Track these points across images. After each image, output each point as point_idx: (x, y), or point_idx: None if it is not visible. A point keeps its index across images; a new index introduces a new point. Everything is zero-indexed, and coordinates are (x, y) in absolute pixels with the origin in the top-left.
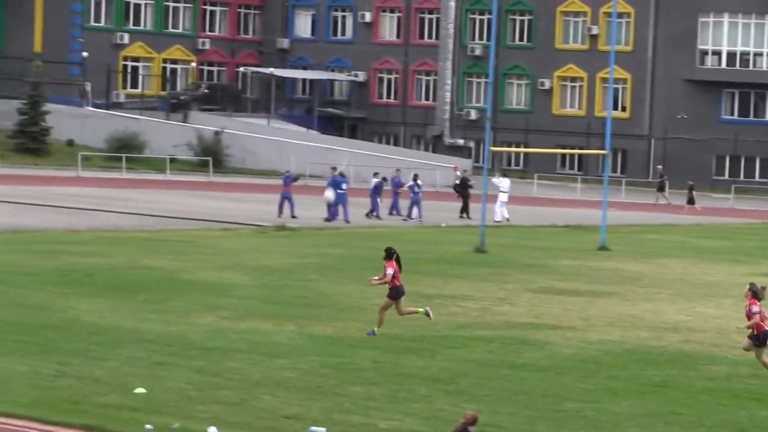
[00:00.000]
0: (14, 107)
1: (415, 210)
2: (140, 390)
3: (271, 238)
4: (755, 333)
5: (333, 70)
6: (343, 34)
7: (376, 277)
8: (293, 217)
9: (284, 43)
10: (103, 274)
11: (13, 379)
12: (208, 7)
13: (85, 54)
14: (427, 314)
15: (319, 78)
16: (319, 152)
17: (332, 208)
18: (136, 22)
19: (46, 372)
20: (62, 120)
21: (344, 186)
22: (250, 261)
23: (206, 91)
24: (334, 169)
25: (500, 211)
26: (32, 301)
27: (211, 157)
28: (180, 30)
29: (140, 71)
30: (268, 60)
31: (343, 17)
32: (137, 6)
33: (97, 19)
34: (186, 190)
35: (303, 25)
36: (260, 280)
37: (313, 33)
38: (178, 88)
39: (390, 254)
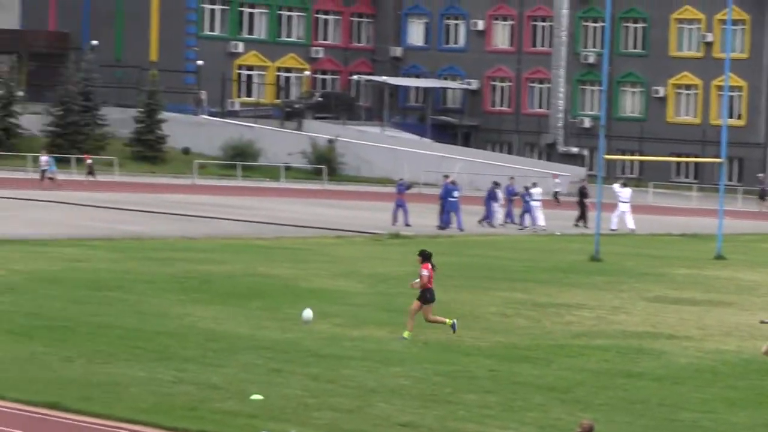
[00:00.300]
0: (131, 116)
1: (527, 218)
2: (257, 396)
3: (386, 246)
4: None
5: (446, 78)
6: (456, 42)
7: (416, 281)
8: (407, 225)
9: (397, 51)
10: (220, 282)
11: (131, 385)
12: (322, 16)
13: (200, 62)
14: (453, 327)
15: (431, 86)
16: (433, 160)
17: (444, 216)
18: (251, 31)
19: (164, 378)
20: (178, 128)
21: (456, 194)
22: (365, 269)
23: (320, 99)
24: (447, 177)
25: (618, 220)
26: (150, 308)
27: (325, 165)
28: (294, 38)
29: (254, 80)
30: (381, 68)
31: (456, 25)
32: (251, 15)
33: (212, 28)
34: (301, 198)
35: (416, 33)
36: (375, 288)
37: (425, 41)
38: (292, 97)
39: (425, 256)
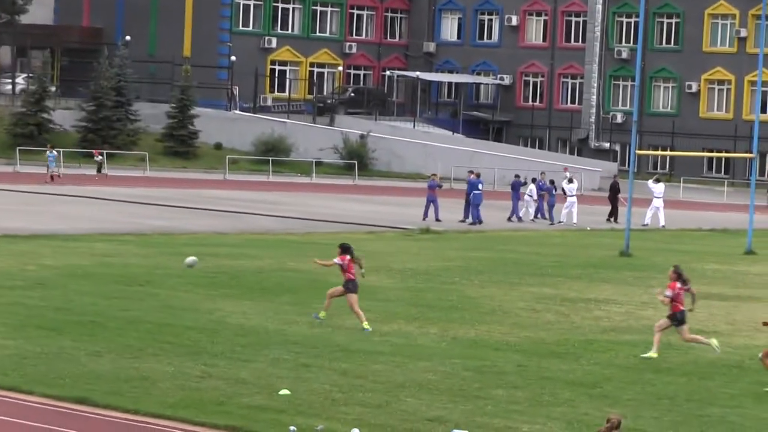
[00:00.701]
0: (163, 111)
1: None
2: (285, 391)
3: (416, 241)
4: None
5: (479, 74)
6: (489, 37)
7: (322, 262)
8: (438, 220)
9: (430, 46)
10: (250, 277)
11: (160, 380)
12: (355, 11)
13: (233, 58)
14: (316, 317)
15: (464, 81)
16: (465, 156)
17: (474, 211)
18: (284, 27)
19: (193, 373)
20: (210, 123)
21: (480, 187)
22: (395, 264)
23: (353, 94)
24: (471, 172)
25: (650, 215)
26: (180, 302)
27: (356, 160)
28: (327, 34)
29: (287, 75)
30: (414, 63)
31: (489, 21)
32: (285, 10)
33: (246, 24)
34: (332, 193)
35: (449, 28)
36: (404, 283)
37: (459, 36)
38: (325, 92)
39: (344, 249)
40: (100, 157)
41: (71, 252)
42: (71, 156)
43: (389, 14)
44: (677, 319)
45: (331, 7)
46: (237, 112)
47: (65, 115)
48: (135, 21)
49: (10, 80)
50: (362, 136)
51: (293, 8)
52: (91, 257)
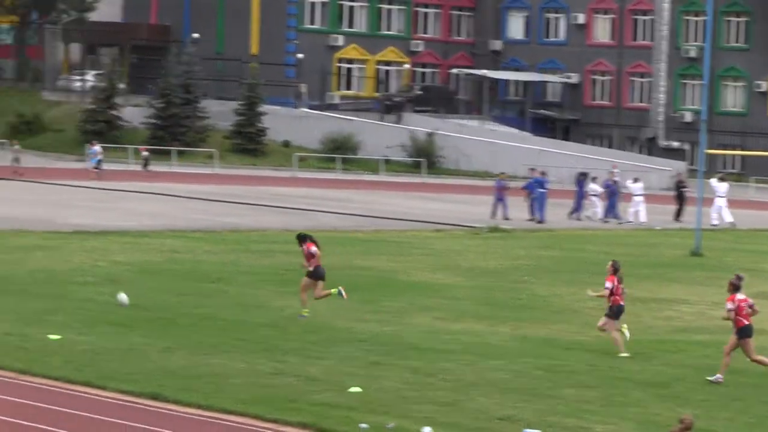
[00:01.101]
0: (231, 108)
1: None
2: (356, 389)
3: (484, 239)
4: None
5: (545, 72)
6: (556, 35)
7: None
8: (506, 218)
9: (497, 44)
10: None
11: (232, 377)
12: (421, 9)
13: (300, 56)
14: (340, 294)
15: (531, 80)
16: (532, 154)
17: (538, 211)
18: (351, 24)
19: (264, 370)
20: (278, 121)
21: (546, 185)
22: (464, 262)
23: (419, 92)
24: (533, 169)
25: (717, 215)
26: (250, 299)
27: (424, 158)
28: (393, 32)
29: (354, 73)
30: (480, 62)
31: (556, 19)
32: (351, 8)
33: (312, 21)
34: (400, 191)
35: (515, 26)
36: (474, 282)
37: (525, 35)
38: (392, 90)
39: (302, 238)
40: (146, 153)
41: (142, 248)
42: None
43: (455, 12)
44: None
45: (397, 5)
46: (305, 109)
47: (134, 112)
48: (202, 18)
49: (80, 78)
50: (429, 134)
51: (359, 6)
52: (161, 254)
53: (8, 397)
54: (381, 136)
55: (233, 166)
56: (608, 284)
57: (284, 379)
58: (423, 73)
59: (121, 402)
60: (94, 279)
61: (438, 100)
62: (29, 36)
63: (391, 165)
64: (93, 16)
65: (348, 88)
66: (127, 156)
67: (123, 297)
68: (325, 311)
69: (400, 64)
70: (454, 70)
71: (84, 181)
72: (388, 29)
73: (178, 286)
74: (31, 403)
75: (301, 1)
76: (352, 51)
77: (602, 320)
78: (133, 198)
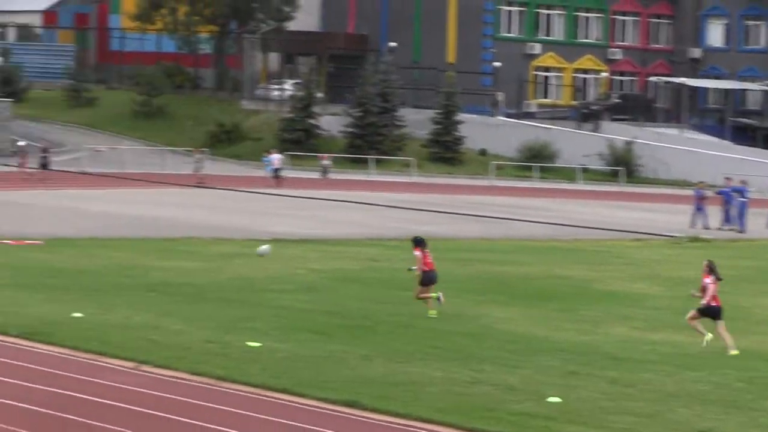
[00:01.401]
0: (428, 117)
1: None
2: (554, 399)
3: (684, 249)
4: None
5: (745, 80)
6: (756, 43)
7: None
8: (706, 228)
9: (696, 52)
10: (517, 283)
11: (429, 385)
12: (619, 17)
13: (497, 64)
14: (438, 300)
15: (731, 88)
16: (733, 163)
17: (738, 220)
18: (548, 32)
19: (461, 378)
20: (475, 129)
21: (746, 195)
22: (663, 272)
23: (617, 100)
24: (729, 178)
25: None
26: (448, 308)
27: (622, 167)
28: (591, 40)
29: (551, 81)
30: (679, 69)
31: (756, 26)
32: (549, 16)
33: (509, 30)
34: (597, 200)
35: (715, 34)
36: (673, 292)
37: (725, 42)
38: (589, 98)
39: (417, 242)
40: (326, 162)
41: (339, 256)
42: (338, 162)
43: (653, 20)
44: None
45: (595, 12)
46: (501, 118)
47: (331, 121)
48: (399, 27)
49: (278, 86)
50: (627, 143)
51: (556, 14)
52: (359, 262)
53: (208, 404)
54: (578, 144)
55: (430, 175)
56: (707, 280)
57: (482, 387)
58: (621, 81)
59: (318, 409)
60: (292, 287)
61: (636, 108)
62: (228, 46)
63: (588, 173)
64: (291, 26)
65: (545, 96)
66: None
67: (265, 249)
68: (523, 320)
69: (598, 72)
70: (653, 78)
71: (271, 189)
72: (586, 37)
73: (375, 293)
74: (229, 409)
75: (497, 9)
76: (549, 59)
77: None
78: (330, 206)
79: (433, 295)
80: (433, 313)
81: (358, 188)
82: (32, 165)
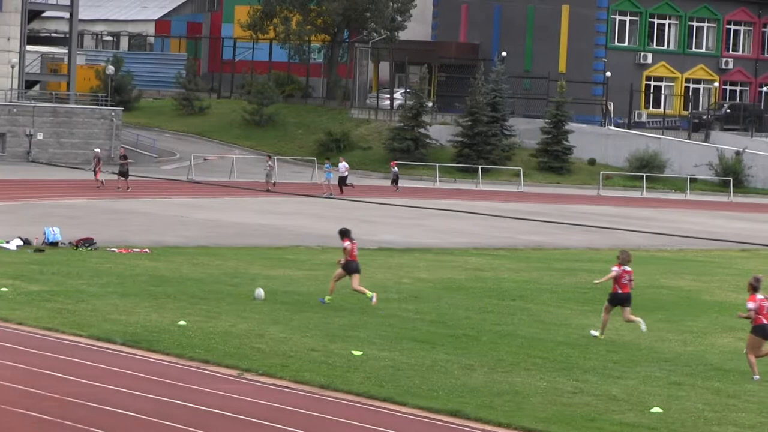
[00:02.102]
0: (538, 126)
1: None
2: (657, 409)
3: None
4: None
5: None
6: None
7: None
8: None
9: None
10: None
11: (532, 395)
12: (732, 27)
13: (608, 74)
14: (371, 299)
15: None
16: None
17: None
18: (660, 42)
19: (564, 388)
20: (584, 139)
21: None
22: None
23: (728, 110)
24: None
25: None
26: (552, 317)
27: (732, 177)
28: (703, 50)
29: (662, 91)
30: None
31: None
32: (661, 26)
33: (621, 39)
34: (706, 210)
35: None
36: None
37: None
38: (700, 108)
39: (343, 233)
40: (395, 169)
41: (445, 265)
42: (447, 171)
43: (767, 30)
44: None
45: (708, 22)
46: (611, 127)
47: (441, 131)
48: (511, 37)
49: (388, 95)
50: (738, 153)
51: (669, 24)
52: (464, 271)
53: (310, 412)
54: (688, 154)
55: (538, 184)
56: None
57: (584, 398)
58: (732, 91)
59: (421, 419)
60: (398, 295)
61: (747, 118)
62: (339, 55)
63: (697, 184)
64: (403, 35)
65: (656, 106)
66: (434, 174)
67: (260, 292)
68: (627, 330)
69: (710, 81)
70: (765, 88)
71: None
72: (698, 47)
73: (480, 303)
74: (332, 418)
75: (610, 18)
76: (661, 69)
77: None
78: (437, 215)
79: (368, 293)
80: (328, 299)
81: (466, 197)
82: (113, 171)
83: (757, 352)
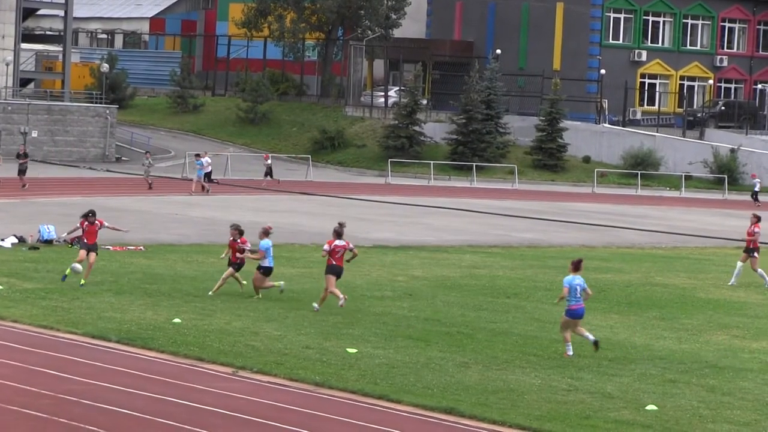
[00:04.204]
0: (532, 124)
1: None
2: (651, 407)
3: None
4: None
5: None
6: None
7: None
8: None
9: None
10: (617, 291)
11: (527, 392)
12: (727, 24)
13: (602, 71)
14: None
15: None
16: None
17: None
18: (654, 40)
19: (559, 386)
20: (579, 137)
21: None
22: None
23: (723, 108)
24: None
25: None
26: (546, 315)
27: (726, 174)
28: (697, 47)
29: (657, 88)
30: None
31: None
32: (655, 23)
33: (615, 37)
34: (701, 208)
35: None
36: None
37: None
38: (695, 106)
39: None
40: (269, 161)
41: (440, 263)
42: (441, 168)
43: (762, 27)
44: None
45: (702, 20)
46: (606, 125)
47: (435, 128)
48: (505, 34)
49: (382, 93)
50: (732, 150)
51: (663, 21)
52: (459, 269)
53: (305, 410)
54: (683, 152)
55: (533, 182)
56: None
57: (579, 395)
58: (727, 89)
59: (415, 416)
60: (393, 293)
61: (742, 116)
62: (334, 53)
63: (692, 181)
64: (397, 33)
65: (650, 103)
66: (428, 172)
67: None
68: (622, 328)
69: (704, 79)
70: (759, 86)
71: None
72: (692, 45)
73: (474, 301)
74: (326, 415)
75: (604, 16)
76: (656, 66)
77: None
78: (432, 213)
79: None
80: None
81: (460, 195)
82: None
83: None
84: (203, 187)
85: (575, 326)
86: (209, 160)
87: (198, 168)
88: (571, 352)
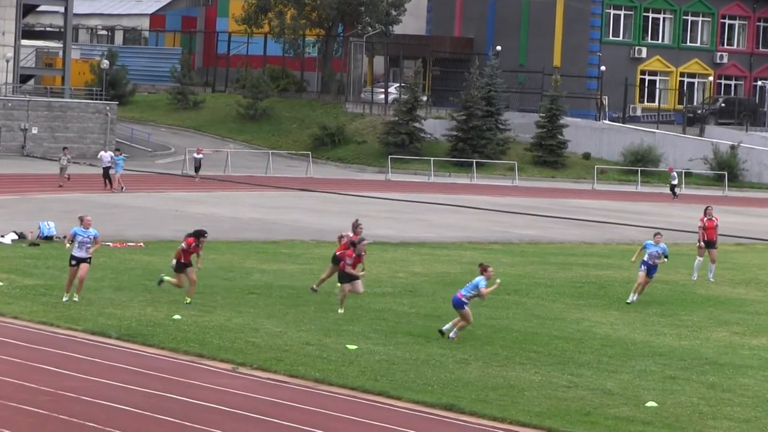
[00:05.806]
0: (532, 120)
1: None
2: (651, 404)
3: None
4: None
5: None
6: None
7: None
8: None
9: None
10: (617, 287)
11: (527, 389)
12: (727, 21)
13: (602, 68)
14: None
15: None
16: None
17: None
18: (654, 36)
19: (559, 382)
20: (579, 133)
21: None
22: (765, 276)
23: (723, 105)
24: None
25: None
26: (547, 312)
27: (726, 171)
28: (698, 44)
29: (657, 85)
30: None
31: None
32: (655, 20)
33: (616, 34)
34: (700, 204)
35: None
36: None
37: None
38: (695, 102)
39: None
40: (200, 155)
41: (440, 260)
42: (441, 165)
43: (762, 24)
44: None
45: (702, 16)
46: (606, 122)
47: (435, 125)
48: (505, 31)
49: (382, 90)
50: (732, 147)
51: (664, 18)
52: (459, 265)
53: (305, 406)
54: (683, 148)
55: (533, 178)
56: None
57: (579, 392)
58: (727, 85)
59: (416, 412)
60: (393, 289)
61: (742, 112)
62: (334, 49)
63: (692, 178)
64: (397, 29)
65: (650, 100)
66: (429, 168)
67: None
68: (622, 325)
69: (704, 76)
70: (759, 82)
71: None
72: (693, 41)
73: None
74: (326, 412)
75: (604, 13)
76: (656, 63)
77: None
78: (433, 210)
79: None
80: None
81: (460, 192)
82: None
83: None
84: (114, 184)
85: None
86: (111, 155)
87: (117, 163)
88: None
